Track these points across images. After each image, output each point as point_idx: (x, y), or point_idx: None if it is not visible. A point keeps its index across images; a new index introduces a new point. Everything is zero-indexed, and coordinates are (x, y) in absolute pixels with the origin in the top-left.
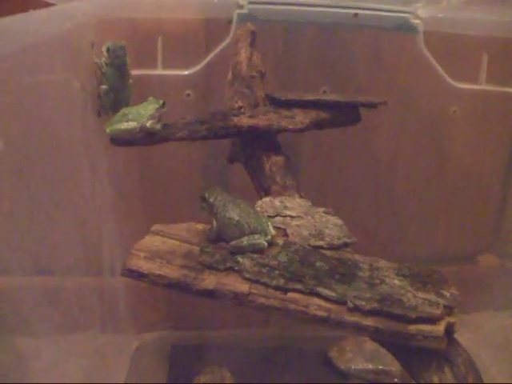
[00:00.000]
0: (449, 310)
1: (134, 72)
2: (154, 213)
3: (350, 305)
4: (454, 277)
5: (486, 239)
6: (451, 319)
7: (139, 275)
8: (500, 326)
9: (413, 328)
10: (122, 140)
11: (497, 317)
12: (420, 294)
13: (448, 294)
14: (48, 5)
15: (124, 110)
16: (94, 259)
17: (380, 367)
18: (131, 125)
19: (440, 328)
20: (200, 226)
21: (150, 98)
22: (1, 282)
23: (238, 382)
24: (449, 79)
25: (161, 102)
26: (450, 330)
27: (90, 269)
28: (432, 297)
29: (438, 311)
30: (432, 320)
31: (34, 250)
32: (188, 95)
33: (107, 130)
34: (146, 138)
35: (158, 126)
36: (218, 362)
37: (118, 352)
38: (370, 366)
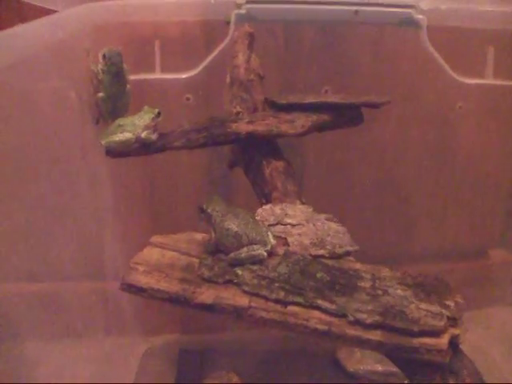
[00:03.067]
0: (453, 321)
1: (133, 77)
2: (157, 216)
3: (351, 318)
4: (465, 272)
5: (496, 234)
6: (455, 331)
7: (138, 290)
8: (511, 321)
9: (416, 341)
10: (117, 151)
11: (508, 312)
12: (423, 306)
13: (452, 305)
14: (49, 12)
15: (119, 121)
16: (98, 263)
17: (389, 369)
18: (126, 136)
19: (443, 341)
20: (200, 236)
21: (146, 108)
22: (8, 289)
23: None
24: (454, 74)
25: (156, 111)
26: (454, 342)
27: (95, 273)
28: (435, 308)
29: (441, 323)
30: (435, 333)
31: (38, 256)
32: (187, 99)
33: (102, 142)
34: (141, 148)
35: (154, 136)
36: (225, 366)
37: (125, 356)
38: (379, 368)
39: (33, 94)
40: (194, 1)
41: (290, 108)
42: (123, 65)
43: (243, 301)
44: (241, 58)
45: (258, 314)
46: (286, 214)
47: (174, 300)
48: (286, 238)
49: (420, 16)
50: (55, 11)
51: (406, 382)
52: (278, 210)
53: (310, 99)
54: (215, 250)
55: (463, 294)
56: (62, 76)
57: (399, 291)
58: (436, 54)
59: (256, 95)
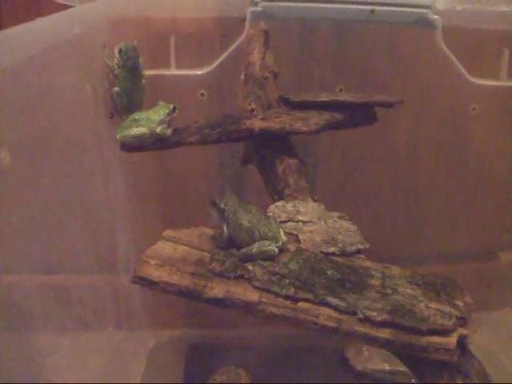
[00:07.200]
0: (462, 321)
1: (148, 72)
2: (169, 211)
3: (361, 316)
4: (475, 274)
5: (506, 236)
6: (464, 331)
7: (149, 283)
8: None
9: (424, 340)
10: (132, 146)
11: None
12: (432, 305)
13: (461, 304)
14: (66, 6)
15: (134, 115)
16: (110, 257)
17: (397, 368)
18: (141, 130)
19: (452, 340)
20: (211, 231)
21: (161, 103)
22: (21, 280)
23: (253, 381)
24: (468, 76)
25: (171, 106)
26: (462, 342)
27: (107, 266)
28: (445, 307)
29: (449, 323)
30: (444, 332)
31: (51, 248)
32: (202, 95)
33: (117, 136)
34: (156, 143)
35: (169, 131)
36: (233, 362)
37: (134, 350)
38: (387, 367)
39: (49, 88)
40: None
41: (303, 106)
42: (139, 60)
43: (254, 296)
44: (256, 55)
45: (268, 309)
46: (298, 212)
47: (185, 294)
48: (297, 235)
49: (435, 16)
50: (72, 6)
51: (413, 381)
52: (290, 207)
53: (324, 97)
54: (227, 245)
55: (473, 296)
56: (78, 70)
57: (409, 290)
58: (451, 55)
59: (270, 92)
